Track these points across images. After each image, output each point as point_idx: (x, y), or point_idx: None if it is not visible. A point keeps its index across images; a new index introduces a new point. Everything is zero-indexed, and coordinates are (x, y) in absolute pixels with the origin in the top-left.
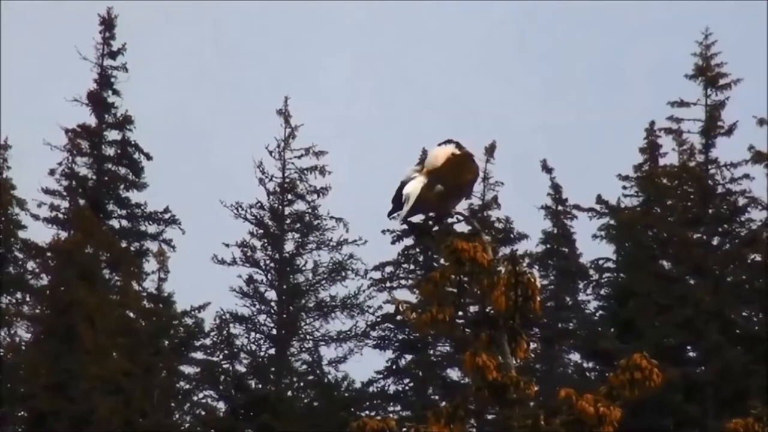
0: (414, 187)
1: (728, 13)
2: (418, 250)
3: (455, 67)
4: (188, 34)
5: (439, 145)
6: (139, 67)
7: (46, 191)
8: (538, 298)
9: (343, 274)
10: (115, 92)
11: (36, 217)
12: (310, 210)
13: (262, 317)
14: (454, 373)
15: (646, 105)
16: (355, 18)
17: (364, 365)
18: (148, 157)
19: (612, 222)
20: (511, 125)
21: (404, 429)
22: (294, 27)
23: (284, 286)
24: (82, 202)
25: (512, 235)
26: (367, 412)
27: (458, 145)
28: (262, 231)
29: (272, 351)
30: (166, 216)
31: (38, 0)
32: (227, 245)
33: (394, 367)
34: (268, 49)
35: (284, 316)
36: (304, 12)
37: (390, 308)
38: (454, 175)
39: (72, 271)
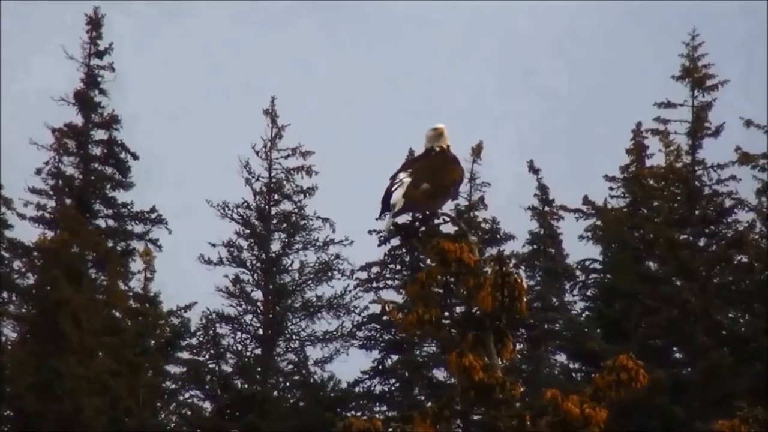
0: (399, 195)
1: (717, 12)
2: (404, 250)
3: (440, 65)
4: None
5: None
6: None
7: (33, 191)
8: (525, 299)
9: (330, 274)
10: (102, 92)
11: (22, 216)
12: (296, 210)
13: (248, 317)
14: (440, 374)
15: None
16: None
17: (350, 365)
18: (135, 157)
19: (598, 223)
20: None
21: (390, 429)
22: (265, 26)
23: (270, 286)
24: (68, 201)
25: (499, 236)
26: (353, 412)
27: (442, 149)
28: (248, 231)
29: (258, 351)
30: (153, 216)
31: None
32: (213, 245)
33: (380, 367)
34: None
35: (270, 316)
36: (286, 10)
37: (376, 308)
38: (439, 176)
39: (58, 271)
